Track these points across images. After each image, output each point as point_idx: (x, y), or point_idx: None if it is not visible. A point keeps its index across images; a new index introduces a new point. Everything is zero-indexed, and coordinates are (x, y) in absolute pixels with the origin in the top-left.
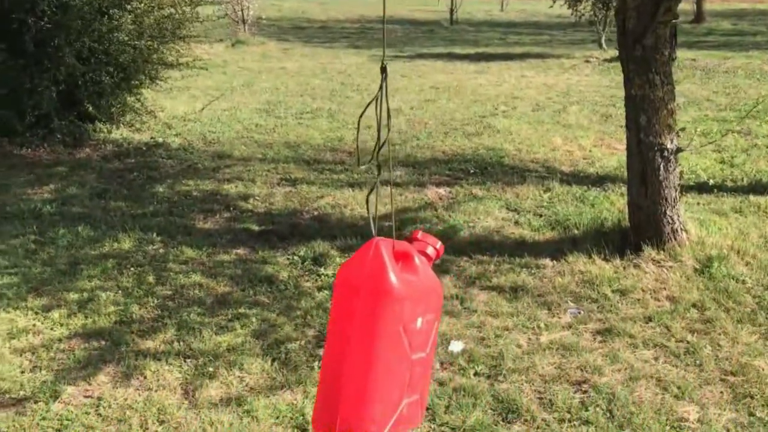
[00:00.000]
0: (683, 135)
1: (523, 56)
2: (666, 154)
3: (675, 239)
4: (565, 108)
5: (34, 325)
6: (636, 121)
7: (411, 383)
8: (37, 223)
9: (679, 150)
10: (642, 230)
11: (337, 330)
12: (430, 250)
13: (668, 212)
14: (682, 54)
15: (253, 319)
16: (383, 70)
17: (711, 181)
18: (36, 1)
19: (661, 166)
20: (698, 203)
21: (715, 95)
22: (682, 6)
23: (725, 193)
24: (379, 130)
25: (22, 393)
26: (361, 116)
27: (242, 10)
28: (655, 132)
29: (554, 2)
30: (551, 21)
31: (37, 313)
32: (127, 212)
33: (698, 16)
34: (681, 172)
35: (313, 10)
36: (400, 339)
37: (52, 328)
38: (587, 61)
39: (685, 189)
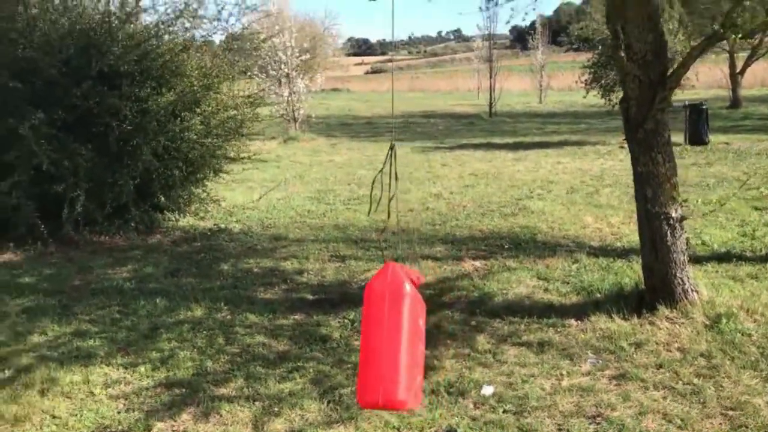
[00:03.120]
0: (691, 206)
1: (560, 144)
2: (671, 222)
3: (686, 299)
4: (598, 190)
5: (124, 377)
6: (643, 194)
7: (421, 365)
8: (119, 297)
9: (683, 218)
10: (656, 291)
11: (370, 330)
12: (414, 278)
13: (678, 274)
14: (715, 138)
15: (310, 371)
16: (391, 147)
17: (724, 249)
18: (120, 107)
19: (668, 233)
20: (716, 271)
21: (744, 176)
22: (719, 92)
23: (743, 262)
24: (381, 183)
25: (120, 428)
26: (374, 181)
27: (293, 110)
28: (660, 203)
29: (587, 92)
30: (588, 110)
31: (126, 368)
32: (197, 287)
33: (734, 102)
34: (687, 239)
35: (359, 108)
36: (417, 328)
37: (140, 380)
38: (622, 147)
39: (705, 259)
